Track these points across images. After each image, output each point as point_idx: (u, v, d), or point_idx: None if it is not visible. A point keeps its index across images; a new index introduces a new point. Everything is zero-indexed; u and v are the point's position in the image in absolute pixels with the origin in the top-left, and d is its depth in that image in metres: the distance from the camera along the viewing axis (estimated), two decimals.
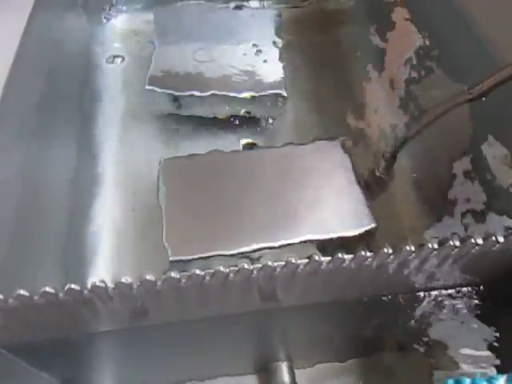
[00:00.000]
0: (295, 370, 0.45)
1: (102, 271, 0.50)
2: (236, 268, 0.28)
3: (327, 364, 0.46)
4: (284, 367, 0.44)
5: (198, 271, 0.28)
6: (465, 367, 0.36)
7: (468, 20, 0.48)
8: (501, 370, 0.36)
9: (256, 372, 0.46)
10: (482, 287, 0.35)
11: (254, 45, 0.64)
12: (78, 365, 0.39)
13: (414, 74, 0.57)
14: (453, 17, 0.50)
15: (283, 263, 0.29)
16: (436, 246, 0.30)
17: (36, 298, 0.27)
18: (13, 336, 0.31)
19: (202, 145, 0.60)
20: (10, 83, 0.41)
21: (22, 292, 0.27)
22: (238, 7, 0.72)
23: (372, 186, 0.51)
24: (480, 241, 0.30)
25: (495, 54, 0.44)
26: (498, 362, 0.36)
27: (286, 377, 0.44)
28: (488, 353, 0.36)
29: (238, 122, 0.62)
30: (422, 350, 0.39)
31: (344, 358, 0.46)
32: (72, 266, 0.50)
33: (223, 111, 0.61)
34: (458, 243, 0.30)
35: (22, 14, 0.48)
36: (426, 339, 0.39)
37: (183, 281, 0.28)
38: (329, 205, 0.47)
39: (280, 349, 0.44)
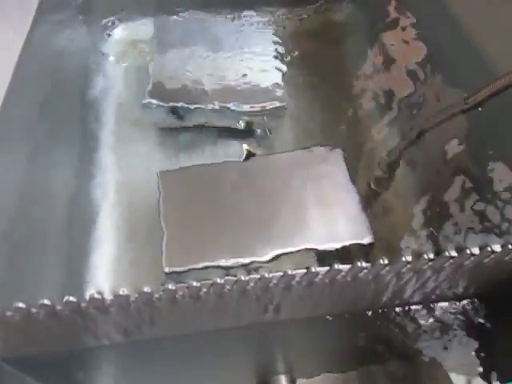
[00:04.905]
0: (297, 380, 0.45)
1: (101, 283, 0.50)
2: (233, 279, 0.29)
3: (327, 375, 0.46)
4: (284, 380, 0.44)
5: (194, 283, 0.28)
6: (459, 379, 0.36)
7: (467, 31, 0.48)
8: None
9: None
10: (477, 300, 0.35)
11: (255, 56, 0.65)
12: (76, 379, 0.39)
13: (414, 86, 0.57)
14: (452, 29, 0.50)
15: (280, 274, 0.29)
16: (432, 256, 0.30)
17: (34, 310, 0.27)
18: (12, 349, 0.31)
19: (201, 156, 0.60)
20: (10, 95, 0.42)
21: (19, 304, 0.27)
22: (239, 19, 0.72)
23: (369, 198, 0.51)
24: (476, 251, 0.30)
25: (492, 63, 0.44)
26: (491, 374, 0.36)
27: None
28: (481, 366, 0.36)
29: (237, 133, 0.62)
30: (418, 361, 0.39)
31: (343, 369, 0.46)
32: (71, 279, 0.50)
33: (223, 122, 0.61)
34: (453, 253, 0.30)
35: (22, 25, 0.48)
36: (422, 350, 0.39)
37: (180, 292, 0.28)
38: (327, 216, 0.47)
39: (279, 361, 0.44)
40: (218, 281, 0.28)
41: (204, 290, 0.29)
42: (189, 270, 0.42)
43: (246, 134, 0.63)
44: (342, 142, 0.60)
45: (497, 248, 0.30)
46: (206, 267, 0.43)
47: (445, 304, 0.35)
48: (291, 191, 0.49)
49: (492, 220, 0.43)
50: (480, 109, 0.42)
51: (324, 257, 0.44)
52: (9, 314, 0.27)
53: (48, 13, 0.53)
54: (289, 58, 0.70)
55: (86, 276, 0.51)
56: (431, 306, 0.35)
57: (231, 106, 0.60)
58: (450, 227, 0.48)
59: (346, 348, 0.42)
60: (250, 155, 0.61)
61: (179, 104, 0.59)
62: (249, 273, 0.43)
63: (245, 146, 0.61)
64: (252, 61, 0.64)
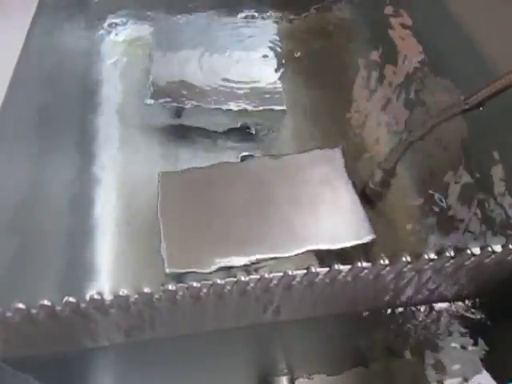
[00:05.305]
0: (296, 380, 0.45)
1: (101, 284, 0.50)
2: (233, 280, 0.29)
3: (327, 375, 0.46)
4: (284, 380, 0.44)
5: (194, 283, 0.28)
6: (460, 379, 0.36)
7: (466, 31, 0.48)
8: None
9: None
10: (478, 300, 0.35)
11: (254, 57, 0.65)
12: (76, 379, 0.39)
13: (414, 86, 0.57)
14: (452, 29, 0.50)
15: (281, 274, 0.29)
16: (432, 256, 0.30)
17: (34, 311, 0.27)
18: (12, 349, 0.31)
19: (201, 157, 0.60)
20: (10, 95, 0.42)
21: (19, 305, 0.27)
22: (239, 19, 0.72)
23: (370, 198, 0.51)
24: (476, 251, 0.30)
25: (492, 64, 0.44)
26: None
27: None
28: (482, 365, 0.36)
29: (236, 134, 0.62)
30: (419, 361, 0.39)
31: (343, 370, 0.46)
32: (71, 280, 0.50)
33: (222, 123, 0.61)
34: (454, 253, 0.30)
35: (22, 25, 0.48)
36: (423, 351, 0.39)
37: (180, 293, 0.28)
38: (328, 216, 0.47)
39: (280, 361, 0.44)
40: (218, 281, 0.28)
41: (204, 290, 0.28)
42: (189, 271, 0.42)
43: (245, 134, 0.63)
44: (341, 142, 0.60)
45: (497, 248, 0.30)
46: (206, 268, 0.43)
47: (446, 304, 0.35)
48: (291, 192, 0.48)
49: (493, 220, 0.43)
50: (481, 109, 0.41)
51: (324, 257, 0.44)
52: (9, 314, 0.27)
53: (48, 13, 0.53)
54: (288, 58, 0.70)
55: (86, 276, 0.51)
56: (432, 306, 0.35)
57: (231, 106, 0.60)
58: (450, 227, 0.48)
59: (347, 348, 0.42)
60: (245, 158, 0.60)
61: (179, 104, 0.59)
62: (249, 273, 0.43)
63: (243, 153, 0.60)
64: (251, 61, 0.64)
